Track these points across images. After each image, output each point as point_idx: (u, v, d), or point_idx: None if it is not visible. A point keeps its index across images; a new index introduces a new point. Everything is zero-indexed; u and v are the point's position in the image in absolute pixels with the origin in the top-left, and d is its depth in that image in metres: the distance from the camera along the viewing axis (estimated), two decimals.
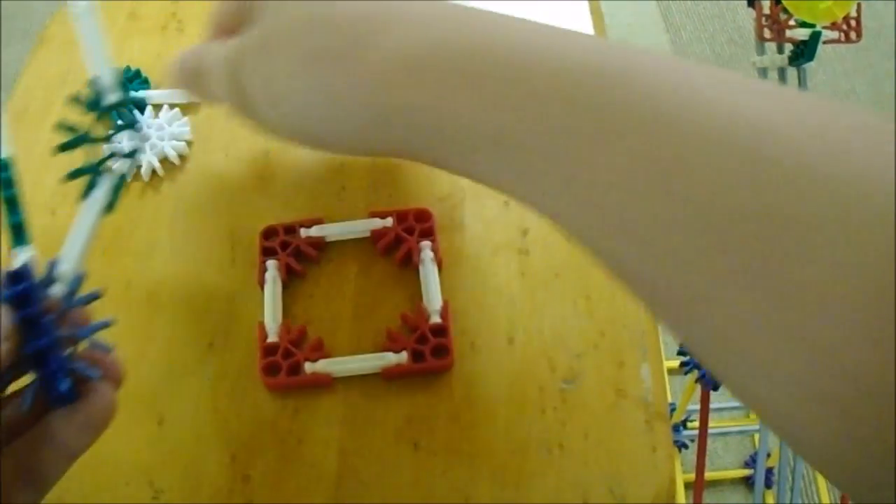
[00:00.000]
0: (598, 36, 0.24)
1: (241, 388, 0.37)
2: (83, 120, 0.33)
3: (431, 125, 0.23)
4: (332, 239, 0.41)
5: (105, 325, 0.27)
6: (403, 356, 0.36)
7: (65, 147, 0.31)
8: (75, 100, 0.32)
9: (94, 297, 0.27)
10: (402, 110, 0.24)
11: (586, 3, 0.53)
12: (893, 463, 0.17)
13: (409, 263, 0.40)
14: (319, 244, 0.41)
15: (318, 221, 0.42)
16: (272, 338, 0.38)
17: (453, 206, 0.43)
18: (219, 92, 0.31)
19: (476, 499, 0.33)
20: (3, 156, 0.28)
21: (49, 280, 0.26)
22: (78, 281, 0.27)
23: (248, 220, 0.43)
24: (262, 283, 0.40)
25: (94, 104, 0.33)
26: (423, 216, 0.41)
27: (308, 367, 0.36)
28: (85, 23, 0.34)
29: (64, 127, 0.32)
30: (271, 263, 0.40)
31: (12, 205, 0.28)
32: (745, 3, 0.62)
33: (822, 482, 1.00)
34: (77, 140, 0.32)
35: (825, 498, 0.98)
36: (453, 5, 0.25)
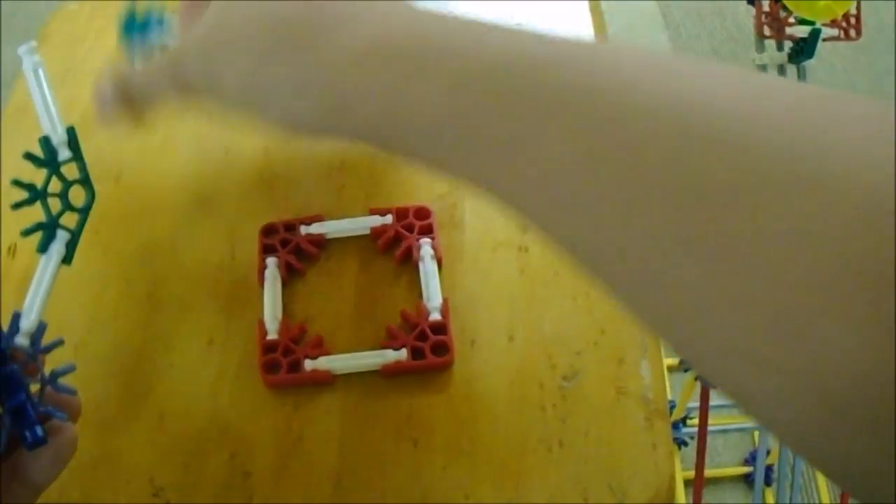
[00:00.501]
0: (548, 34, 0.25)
1: (240, 386, 0.37)
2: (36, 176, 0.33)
3: (387, 110, 0.25)
4: (332, 236, 0.41)
5: (71, 370, 0.29)
6: (403, 353, 0.36)
7: (19, 205, 0.32)
8: (29, 156, 0.33)
9: (56, 344, 0.29)
10: (359, 96, 0.25)
11: (586, 1, 0.53)
12: (866, 438, 0.17)
13: (409, 260, 0.40)
14: (319, 241, 0.41)
15: (318, 218, 0.42)
16: (272, 335, 0.38)
17: (453, 204, 0.43)
18: (161, 92, 0.32)
19: (476, 496, 0.33)
20: None
21: (14, 331, 0.28)
22: (41, 331, 0.29)
23: (248, 218, 0.43)
24: (261, 281, 0.40)
25: (47, 162, 0.34)
26: (422, 213, 0.41)
27: (308, 364, 0.36)
28: (32, 80, 0.35)
29: (19, 184, 0.33)
30: (271, 261, 0.40)
31: None
32: (745, 0, 0.62)
33: (821, 480, 1.00)
34: (32, 197, 0.33)
35: (825, 496, 0.98)
36: (404, 4, 0.27)
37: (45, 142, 0.34)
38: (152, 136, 0.47)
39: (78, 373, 0.29)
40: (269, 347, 0.37)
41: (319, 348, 0.37)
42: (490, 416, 0.35)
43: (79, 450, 0.35)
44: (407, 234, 0.40)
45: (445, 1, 0.53)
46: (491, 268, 0.40)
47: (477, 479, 0.34)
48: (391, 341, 0.37)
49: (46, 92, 0.35)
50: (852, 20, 0.58)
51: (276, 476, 0.34)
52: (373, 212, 0.42)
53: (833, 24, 0.58)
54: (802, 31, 0.58)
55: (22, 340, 0.28)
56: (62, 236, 0.33)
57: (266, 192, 0.44)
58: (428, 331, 0.37)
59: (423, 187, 0.43)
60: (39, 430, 0.27)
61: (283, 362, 0.37)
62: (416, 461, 0.34)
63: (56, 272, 0.32)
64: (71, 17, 0.55)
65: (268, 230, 0.41)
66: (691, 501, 0.76)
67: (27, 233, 0.32)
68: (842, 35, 0.58)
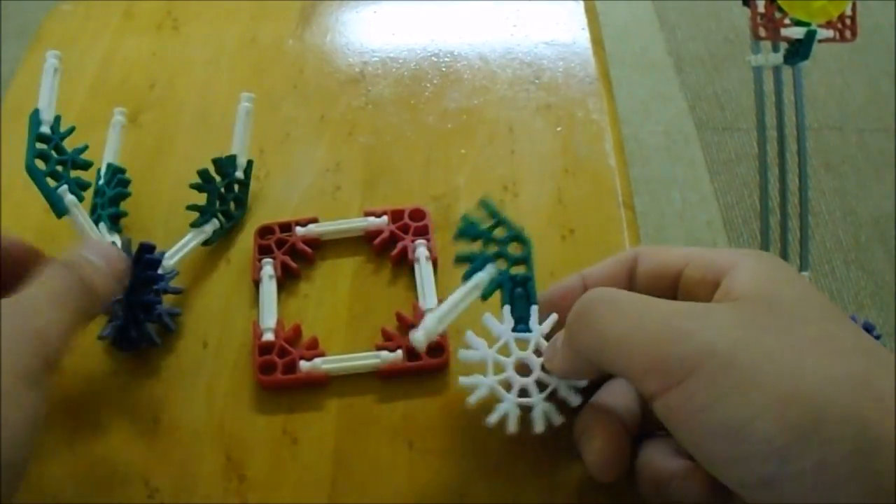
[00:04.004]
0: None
1: (235, 387, 0.37)
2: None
3: None
4: (328, 238, 0.41)
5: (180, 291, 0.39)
6: (399, 355, 0.36)
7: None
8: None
9: (174, 275, 0.39)
10: None
11: (581, 2, 0.53)
12: None
13: (405, 262, 0.40)
14: (315, 243, 0.41)
15: (314, 220, 0.42)
16: (267, 336, 0.38)
17: (448, 205, 0.43)
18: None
19: (471, 498, 0.33)
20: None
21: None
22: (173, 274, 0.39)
23: (244, 218, 0.43)
24: (257, 282, 0.40)
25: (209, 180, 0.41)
26: (417, 215, 0.41)
27: (303, 365, 0.36)
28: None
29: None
30: (266, 262, 0.40)
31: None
32: (741, 1, 0.62)
33: None
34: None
35: None
36: None
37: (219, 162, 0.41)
38: (149, 137, 0.47)
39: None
40: (264, 349, 0.37)
41: (315, 350, 0.37)
42: (485, 417, 0.35)
43: (73, 451, 0.35)
44: (402, 235, 0.40)
45: (446, 2, 0.54)
46: None
47: (472, 481, 0.34)
48: (386, 343, 0.37)
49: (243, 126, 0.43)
50: (848, 21, 0.58)
51: (271, 478, 0.34)
52: (367, 213, 0.42)
53: (828, 25, 0.58)
54: (798, 33, 0.58)
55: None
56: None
57: (261, 194, 0.44)
58: None
59: (419, 189, 0.43)
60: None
61: (278, 364, 0.36)
62: (412, 462, 0.34)
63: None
64: (65, 17, 0.55)
65: (263, 231, 0.41)
66: None
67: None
68: (837, 36, 0.59)
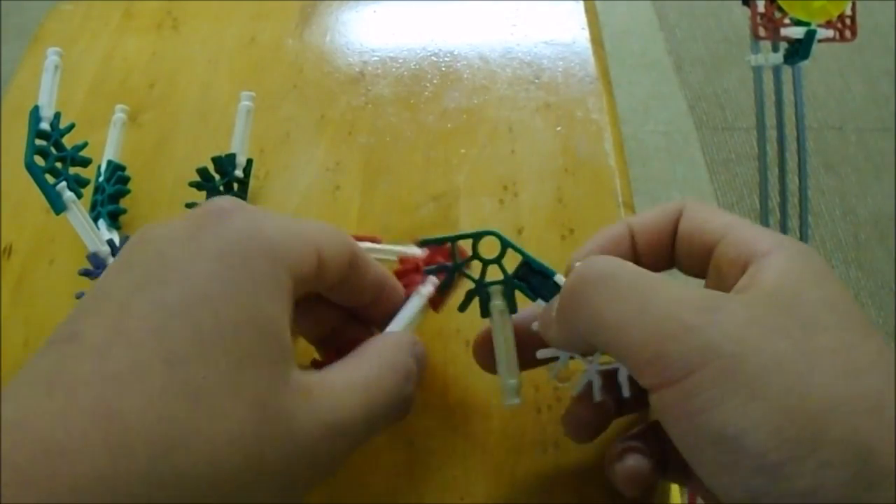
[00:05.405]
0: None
1: None
2: None
3: None
4: None
5: None
6: None
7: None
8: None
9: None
10: None
11: (581, 2, 0.53)
12: None
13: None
14: None
15: (374, 239, 0.36)
16: None
17: (448, 205, 0.43)
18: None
19: (471, 498, 0.33)
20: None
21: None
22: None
23: None
24: None
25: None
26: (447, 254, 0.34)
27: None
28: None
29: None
30: None
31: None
32: (740, 1, 0.62)
33: None
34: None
35: None
36: None
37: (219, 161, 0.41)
38: (149, 136, 0.47)
39: None
40: None
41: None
42: (485, 417, 0.35)
43: None
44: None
45: (446, 1, 0.54)
46: None
47: (472, 481, 0.34)
48: None
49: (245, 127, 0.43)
50: (847, 21, 0.58)
51: None
52: (420, 243, 0.35)
53: (828, 24, 0.58)
54: (798, 33, 0.58)
55: None
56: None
57: (260, 194, 0.44)
58: None
59: (418, 188, 0.43)
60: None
61: None
62: (412, 462, 0.34)
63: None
64: (65, 17, 0.55)
65: None
66: (686, 502, 0.76)
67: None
68: (837, 36, 0.59)
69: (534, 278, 0.31)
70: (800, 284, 0.25)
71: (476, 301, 0.32)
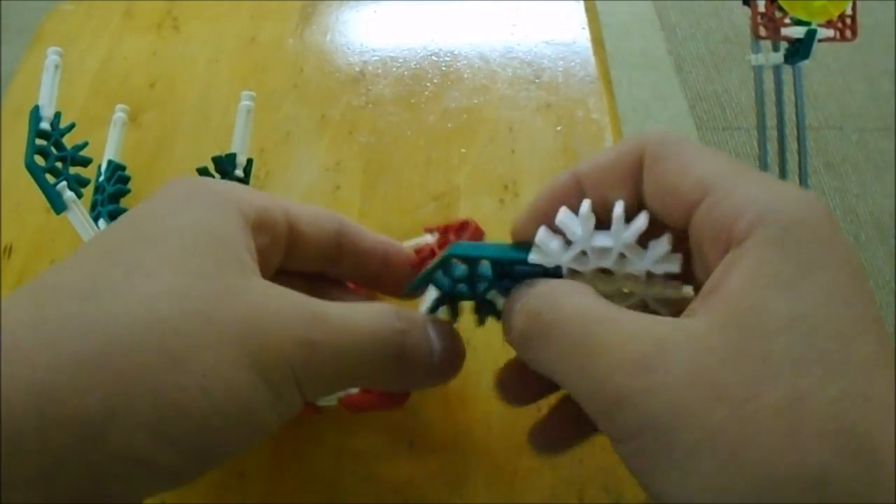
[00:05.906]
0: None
1: None
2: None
3: None
4: None
5: None
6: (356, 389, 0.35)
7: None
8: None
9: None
10: None
11: (581, 1, 0.53)
12: None
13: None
14: None
15: None
16: None
17: (448, 205, 0.43)
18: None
19: (471, 497, 0.33)
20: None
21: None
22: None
23: None
24: None
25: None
26: (464, 229, 0.36)
27: None
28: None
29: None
30: None
31: None
32: (741, 1, 0.62)
33: None
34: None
35: None
36: None
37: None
38: (149, 136, 0.47)
39: None
40: None
41: None
42: (485, 417, 0.35)
43: None
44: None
45: (446, 1, 0.54)
46: None
47: (472, 480, 0.34)
48: None
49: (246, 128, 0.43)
50: (848, 20, 0.58)
51: (270, 476, 0.34)
52: (426, 229, 0.37)
53: (829, 24, 0.58)
54: (798, 32, 0.58)
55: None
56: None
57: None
58: None
59: (419, 188, 0.43)
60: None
61: None
62: (412, 462, 0.34)
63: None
64: (65, 17, 0.55)
65: None
66: None
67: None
68: (837, 36, 0.59)
69: (516, 267, 0.28)
70: (765, 295, 0.21)
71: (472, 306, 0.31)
